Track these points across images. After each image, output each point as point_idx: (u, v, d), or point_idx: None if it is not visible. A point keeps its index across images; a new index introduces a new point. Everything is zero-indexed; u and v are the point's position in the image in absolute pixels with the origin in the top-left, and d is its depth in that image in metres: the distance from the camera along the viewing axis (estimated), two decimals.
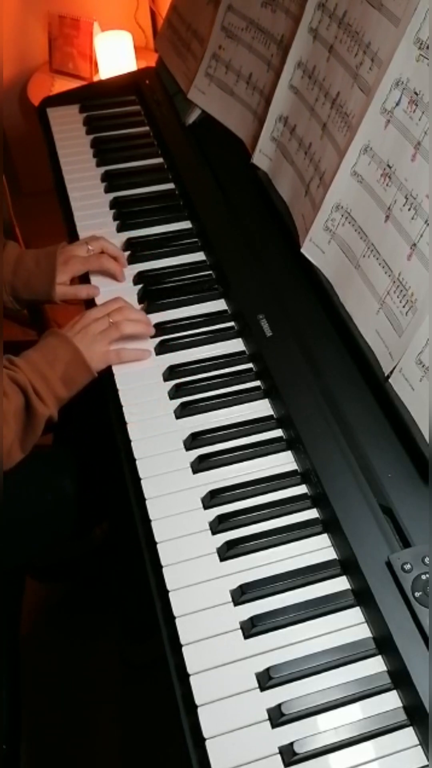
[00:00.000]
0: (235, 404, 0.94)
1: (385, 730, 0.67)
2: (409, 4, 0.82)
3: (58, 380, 0.94)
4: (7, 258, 1.13)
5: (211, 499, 0.84)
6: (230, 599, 0.76)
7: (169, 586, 0.77)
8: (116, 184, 1.31)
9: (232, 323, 1.05)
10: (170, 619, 0.75)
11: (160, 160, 1.37)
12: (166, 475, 0.87)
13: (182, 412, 0.93)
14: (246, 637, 0.73)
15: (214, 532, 0.81)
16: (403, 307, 0.81)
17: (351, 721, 0.67)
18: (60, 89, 1.73)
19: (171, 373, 0.98)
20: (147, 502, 0.84)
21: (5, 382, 0.90)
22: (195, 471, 0.87)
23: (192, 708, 0.68)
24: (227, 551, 0.79)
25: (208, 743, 0.66)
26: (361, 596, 0.74)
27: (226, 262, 1.10)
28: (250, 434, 0.90)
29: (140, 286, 1.12)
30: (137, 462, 0.89)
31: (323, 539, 0.80)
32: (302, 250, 0.98)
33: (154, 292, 1.10)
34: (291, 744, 0.65)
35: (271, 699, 0.69)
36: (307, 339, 0.96)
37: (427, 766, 0.65)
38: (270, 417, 0.92)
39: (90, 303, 1.12)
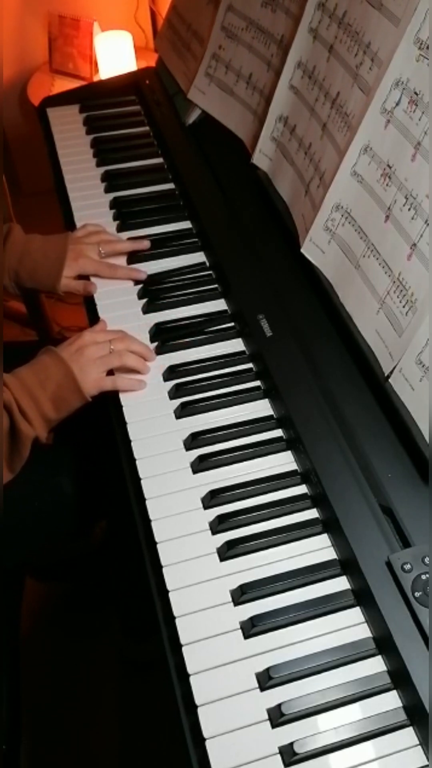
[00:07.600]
0: (235, 404, 0.94)
1: (385, 730, 0.67)
2: (409, 4, 0.82)
3: (48, 401, 0.92)
4: (14, 245, 1.12)
5: (211, 499, 0.84)
6: (230, 599, 0.76)
7: (169, 586, 0.77)
8: (116, 184, 1.31)
9: (232, 323, 1.05)
10: (170, 619, 0.75)
11: (160, 160, 1.37)
12: (166, 475, 0.87)
13: (182, 412, 0.93)
14: (246, 637, 0.73)
15: (214, 532, 0.81)
16: (403, 307, 0.81)
17: (351, 721, 0.67)
18: (60, 89, 1.73)
19: (171, 373, 0.98)
20: (147, 502, 0.84)
21: None
22: (195, 471, 0.87)
23: (192, 708, 0.68)
24: (227, 551, 0.79)
25: (208, 743, 0.66)
26: (361, 596, 0.74)
27: (226, 262, 1.10)
28: (250, 434, 0.90)
29: (140, 286, 1.12)
30: (137, 462, 0.89)
31: (323, 539, 0.80)
32: (302, 250, 0.98)
33: (154, 292, 1.10)
34: (291, 744, 0.65)
35: (271, 699, 0.69)
36: (307, 339, 0.96)
37: (427, 766, 0.65)
38: (270, 417, 0.92)
39: (88, 302, 1.12)
